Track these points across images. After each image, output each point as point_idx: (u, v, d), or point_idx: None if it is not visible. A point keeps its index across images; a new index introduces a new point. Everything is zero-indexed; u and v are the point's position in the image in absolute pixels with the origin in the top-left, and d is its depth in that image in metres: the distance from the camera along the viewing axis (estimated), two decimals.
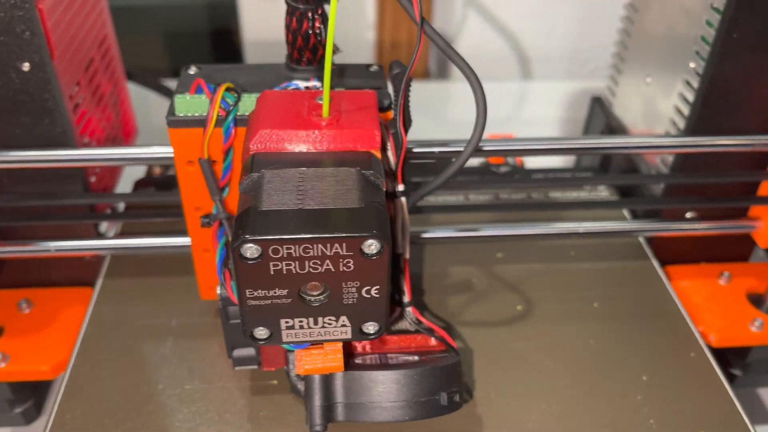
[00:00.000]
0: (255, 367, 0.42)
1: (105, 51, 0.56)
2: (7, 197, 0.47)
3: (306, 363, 0.35)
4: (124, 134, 0.62)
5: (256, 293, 0.31)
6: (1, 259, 0.49)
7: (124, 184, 0.60)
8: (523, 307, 0.50)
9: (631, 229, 0.52)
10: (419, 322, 0.41)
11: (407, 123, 0.38)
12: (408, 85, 0.37)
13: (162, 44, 0.90)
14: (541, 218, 0.54)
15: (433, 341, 0.41)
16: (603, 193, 0.60)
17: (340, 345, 0.35)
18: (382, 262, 0.30)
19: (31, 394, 0.50)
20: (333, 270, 0.31)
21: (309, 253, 0.30)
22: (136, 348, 0.47)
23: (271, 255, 0.30)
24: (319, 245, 0.30)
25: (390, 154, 0.38)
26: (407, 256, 0.39)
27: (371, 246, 0.30)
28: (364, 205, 0.31)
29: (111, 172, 0.57)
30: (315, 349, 0.35)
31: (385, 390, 0.34)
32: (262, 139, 0.34)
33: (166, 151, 0.43)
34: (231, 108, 0.37)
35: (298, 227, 0.30)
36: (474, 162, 0.61)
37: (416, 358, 0.38)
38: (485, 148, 0.44)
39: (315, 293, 0.32)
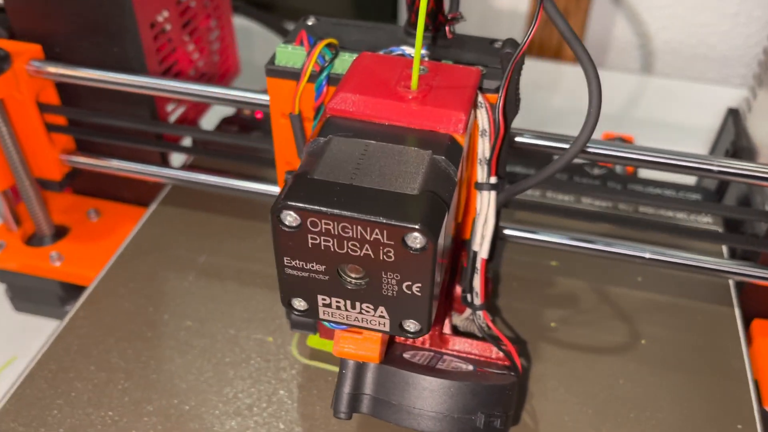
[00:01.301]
0: (311, 333, 0.41)
1: None
2: (74, 111, 0.49)
3: (343, 345, 0.33)
4: (222, 71, 0.61)
5: (293, 263, 0.29)
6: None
7: (212, 119, 0.59)
8: (556, 326, 0.45)
9: (704, 265, 0.43)
10: (487, 329, 0.37)
11: (509, 109, 0.34)
12: (517, 68, 0.32)
13: None
14: (617, 234, 0.46)
15: (498, 353, 0.37)
16: (703, 218, 0.52)
17: (379, 335, 0.32)
18: (426, 259, 0.27)
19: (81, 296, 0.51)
20: (372, 256, 0.28)
21: (348, 233, 0.27)
22: (160, 276, 0.48)
23: (309, 227, 0.28)
24: (358, 227, 0.27)
25: (487, 141, 0.34)
26: (484, 255, 0.35)
27: (415, 239, 0.27)
28: (418, 193, 0.28)
29: (195, 105, 0.57)
30: (355, 333, 0.33)
31: (416, 395, 0.31)
32: (341, 101, 0.32)
33: (219, 92, 0.44)
34: (326, 65, 0.35)
35: (339, 203, 0.27)
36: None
37: (470, 368, 0.35)
38: (590, 150, 0.38)
39: (354, 276, 0.29)
